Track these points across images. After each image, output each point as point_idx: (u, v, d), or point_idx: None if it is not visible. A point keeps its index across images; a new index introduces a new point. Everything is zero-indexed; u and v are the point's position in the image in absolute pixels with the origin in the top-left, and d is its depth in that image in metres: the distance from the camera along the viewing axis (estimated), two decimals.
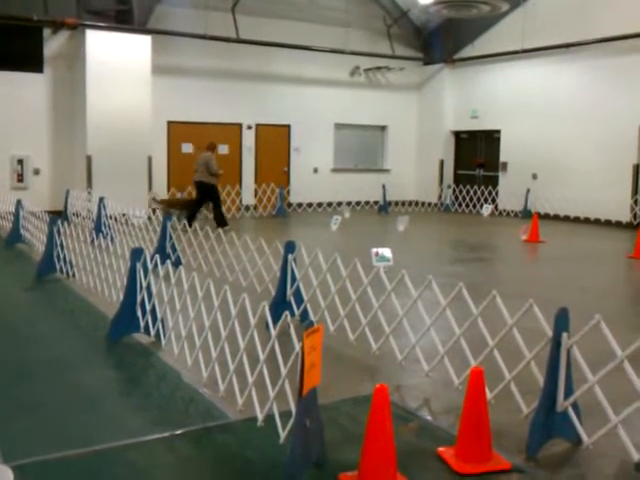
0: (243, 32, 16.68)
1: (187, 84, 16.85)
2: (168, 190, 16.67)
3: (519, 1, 16.99)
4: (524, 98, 17.73)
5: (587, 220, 16.40)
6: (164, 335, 5.61)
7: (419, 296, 5.12)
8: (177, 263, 8.37)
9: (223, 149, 17.82)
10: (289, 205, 18.23)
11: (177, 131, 17.11)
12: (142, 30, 15.64)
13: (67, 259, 8.41)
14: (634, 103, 15.30)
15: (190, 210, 14.03)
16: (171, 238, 9.12)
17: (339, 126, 19.56)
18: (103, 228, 11.05)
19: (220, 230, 8.97)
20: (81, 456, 3.64)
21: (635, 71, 15.27)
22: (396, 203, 19.58)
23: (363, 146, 20.49)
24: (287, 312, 3.99)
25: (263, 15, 17.44)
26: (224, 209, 14.93)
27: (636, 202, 15.51)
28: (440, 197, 20.11)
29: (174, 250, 9.08)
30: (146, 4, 15.80)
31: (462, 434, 3.64)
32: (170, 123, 16.97)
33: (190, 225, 12.88)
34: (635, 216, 15.49)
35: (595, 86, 16.18)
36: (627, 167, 15.66)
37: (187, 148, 17.33)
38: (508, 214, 18.07)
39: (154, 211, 13.59)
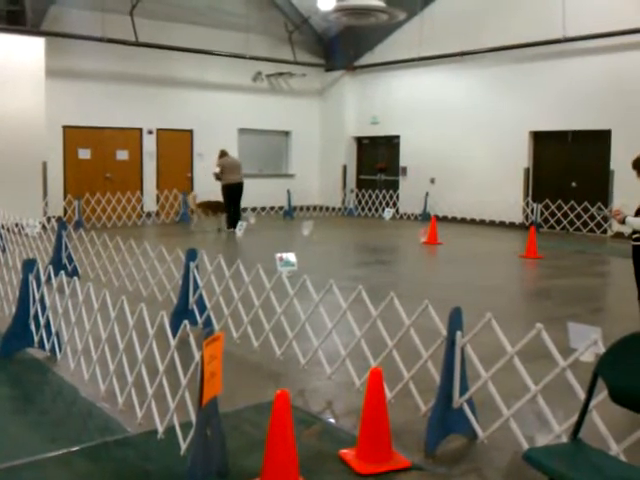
0: (142, 35, 16.34)
1: (84, 88, 16.34)
2: (64, 197, 16.08)
3: (416, 10, 17.50)
4: (421, 104, 18.27)
5: (482, 222, 17.08)
6: (60, 349, 5.41)
7: (320, 300, 5.18)
8: (74, 274, 8.10)
9: (122, 154, 17.40)
10: (192, 211, 17.94)
11: (73, 136, 16.54)
12: (35, 32, 15.03)
13: None
14: (525, 109, 16.09)
15: (231, 214, 15.07)
16: (67, 248, 8.80)
17: (243, 131, 19.50)
18: None
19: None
20: None
21: (525, 79, 16.05)
22: (301, 208, 19.70)
23: (267, 151, 20.51)
24: (186, 321, 3.93)
25: (163, 19, 17.17)
26: None
27: (528, 204, 16.29)
28: (343, 202, 20.41)
29: (70, 260, 8.76)
30: (39, 5, 15.20)
31: (362, 435, 3.71)
32: (66, 128, 16.38)
33: (235, 226, 14.59)
34: (527, 217, 16.26)
35: (488, 93, 16.90)
36: (519, 170, 16.44)
37: (84, 154, 16.78)
38: (409, 217, 18.55)
39: (192, 212, 15.73)
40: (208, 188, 18.27)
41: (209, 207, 15.46)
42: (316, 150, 21.06)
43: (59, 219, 12.46)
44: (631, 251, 5.95)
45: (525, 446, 3.66)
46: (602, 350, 3.17)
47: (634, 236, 5.88)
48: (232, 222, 14.90)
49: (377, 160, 20.13)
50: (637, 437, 3.35)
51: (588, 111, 14.89)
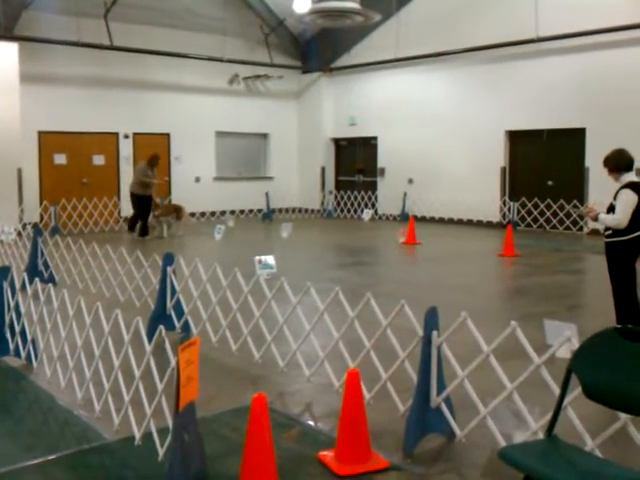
0: (117, 39, 16.22)
1: (59, 92, 16.18)
2: (40, 204, 15.91)
3: (391, 12, 17.57)
4: (398, 105, 18.34)
5: (460, 221, 17.18)
6: (36, 357, 5.36)
7: (298, 302, 5.18)
8: (50, 280, 8.02)
9: (99, 159, 17.26)
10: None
11: (49, 142, 16.37)
12: (8, 37, 14.87)
13: None
14: (500, 108, 16.21)
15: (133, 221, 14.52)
16: (43, 255, 8.71)
17: (220, 134, 19.43)
18: None
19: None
20: None
21: (501, 78, 16.18)
22: (280, 210, 19.68)
23: (245, 154, 20.46)
24: (161, 326, 3.91)
25: (138, 22, 17.05)
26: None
27: (504, 203, 16.42)
28: (322, 203, 20.42)
29: (47, 267, 8.67)
30: (12, 9, 15.02)
31: (341, 436, 3.71)
32: (41, 133, 16.22)
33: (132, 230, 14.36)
34: (504, 216, 16.38)
35: (464, 93, 17.00)
36: (495, 169, 16.56)
37: (60, 159, 16.61)
38: (387, 218, 18.61)
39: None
40: (186, 190, 18.25)
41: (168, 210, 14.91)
42: (294, 152, 21.06)
43: (35, 225, 12.33)
44: (604, 248, 6.02)
45: (502, 444, 3.68)
46: (576, 346, 3.20)
47: (606, 233, 5.95)
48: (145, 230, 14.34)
49: (355, 161, 20.18)
50: (612, 432, 3.39)
51: (563, 110, 15.04)
